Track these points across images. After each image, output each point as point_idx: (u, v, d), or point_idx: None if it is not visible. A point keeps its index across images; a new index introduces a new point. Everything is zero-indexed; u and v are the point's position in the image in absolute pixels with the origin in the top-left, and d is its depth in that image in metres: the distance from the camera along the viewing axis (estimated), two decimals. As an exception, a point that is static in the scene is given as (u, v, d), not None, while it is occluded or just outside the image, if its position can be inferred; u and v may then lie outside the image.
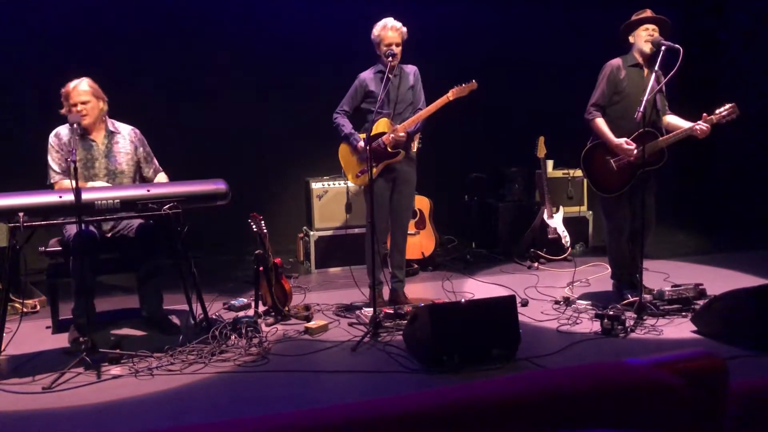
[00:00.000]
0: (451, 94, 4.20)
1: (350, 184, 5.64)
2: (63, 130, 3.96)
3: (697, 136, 4.15)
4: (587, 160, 4.41)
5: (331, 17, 6.34)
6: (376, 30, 4.28)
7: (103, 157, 3.98)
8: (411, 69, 4.40)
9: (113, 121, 4.08)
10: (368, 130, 4.10)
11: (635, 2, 4.39)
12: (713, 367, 1.30)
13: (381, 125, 4.28)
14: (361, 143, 4.27)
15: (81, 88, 3.87)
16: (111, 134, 4.03)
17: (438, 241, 5.77)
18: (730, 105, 4.08)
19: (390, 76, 4.18)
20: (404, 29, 4.28)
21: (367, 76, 4.37)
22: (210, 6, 6.23)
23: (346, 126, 4.37)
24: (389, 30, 4.23)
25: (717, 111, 4.10)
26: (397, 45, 4.23)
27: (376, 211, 4.17)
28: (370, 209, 4.13)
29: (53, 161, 3.93)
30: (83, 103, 3.86)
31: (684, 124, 4.25)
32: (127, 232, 4.03)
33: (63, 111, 3.91)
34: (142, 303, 4.23)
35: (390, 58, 4.14)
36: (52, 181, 3.93)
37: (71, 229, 3.80)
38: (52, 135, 3.96)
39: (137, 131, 4.15)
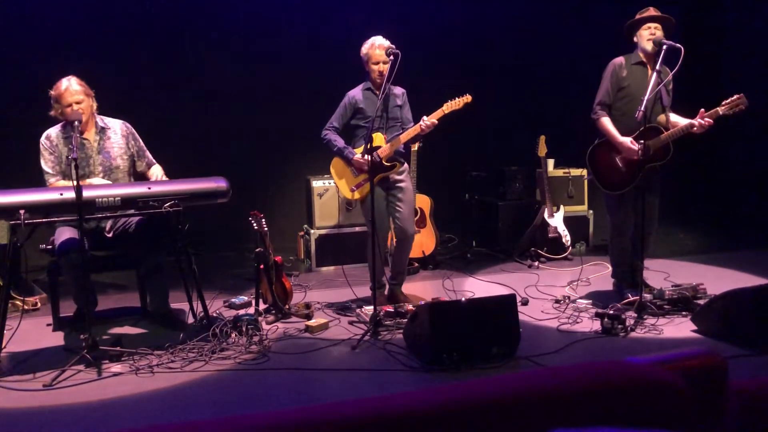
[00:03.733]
0: (446, 108, 4.27)
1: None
2: (54, 132, 3.92)
3: (695, 132, 4.12)
4: (593, 158, 4.41)
5: (332, 18, 6.34)
6: (365, 48, 4.34)
7: (97, 153, 3.96)
8: (399, 91, 4.47)
9: (102, 117, 4.06)
10: (367, 138, 4.11)
11: (638, 0, 4.38)
12: (713, 366, 1.30)
13: (376, 140, 4.34)
14: (357, 156, 4.33)
15: (73, 88, 3.82)
16: (102, 130, 4.00)
17: (438, 240, 5.77)
18: (738, 95, 4.03)
19: (379, 93, 4.26)
20: (392, 47, 4.27)
21: (356, 93, 4.43)
22: (212, 4, 6.24)
23: (338, 140, 4.43)
24: (377, 48, 4.29)
25: (724, 102, 4.05)
26: (385, 63, 4.27)
27: (375, 216, 4.17)
28: (370, 215, 4.12)
29: (46, 164, 3.89)
30: (77, 102, 3.81)
31: (682, 121, 4.23)
32: (126, 228, 4.03)
33: (53, 113, 3.86)
34: (147, 300, 4.23)
35: (390, 57, 4.14)
36: (48, 185, 3.88)
37: (59, 235, 3.80)
38: (43, 138, 3.91)
39: (128, 125, 4.13)
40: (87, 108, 3.86)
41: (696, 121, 4.08)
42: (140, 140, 4.15)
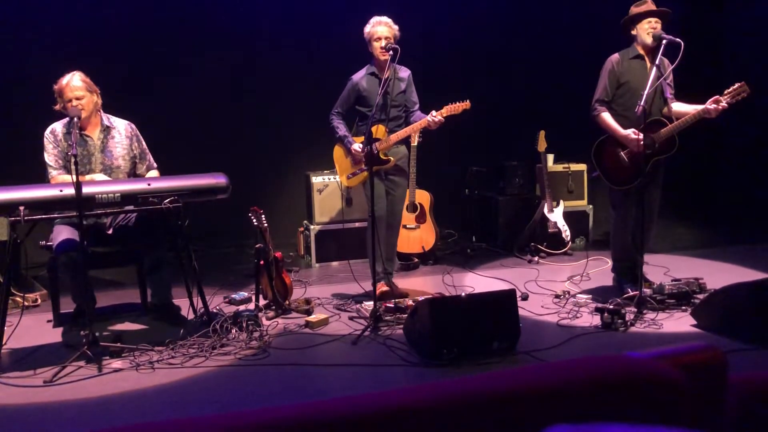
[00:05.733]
0: (445, 111, 4.21)
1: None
2: (58, 127, 3.92)
3: (710, 116, 4.04)
4: (598, 154, 4.39)
5: (331, 15, 6.33)
6: (368, 27, 4.31)
7: (99, 152, 3.95)
8: (404, 74, 4.42)
9: (108, 115, 4.04)
10: (367, 132, 4.11)
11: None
12: (713, 361, 1.30)
13: (376, 132, 4.33)
14: (355, 146, 4.36)
15: (74, 83, 3.81)
16: (107, 129, 3.99)
17: (438, 235, 5.77)
18: (739, 83, 4.00)
19: (383, 77, 4.23)
20: (396, 28, 4.29)
21: (360, 78, 4.40)
22: (212, 2, 6.22)
23: (341, 128, 4.46)
24: (380, 25, 4.25)
25: (726, 91, 4.01)
26: (387, 38, 4.24)
27: (376, 205, 4.20)
28: (370, 205, 4.16)
29: (50, 158, 3.89)
30: (78, 98, 3.80)
31: (691, 109, 4.18)
32: (126, 222, 4.02)
33: (57, 107, 3.86)
34: (147, 296, 4.23)
35: (389, 52, 4.13)
36: (50, 177, 3.89)
37: (57, 234, 3.79)
38: (47, 132, 3.91)
39: (133, 126, 4.12)
40: (89, 104, 3.85)
41: (711, 107, 4.03)
42: (143, 142, 4.14)
